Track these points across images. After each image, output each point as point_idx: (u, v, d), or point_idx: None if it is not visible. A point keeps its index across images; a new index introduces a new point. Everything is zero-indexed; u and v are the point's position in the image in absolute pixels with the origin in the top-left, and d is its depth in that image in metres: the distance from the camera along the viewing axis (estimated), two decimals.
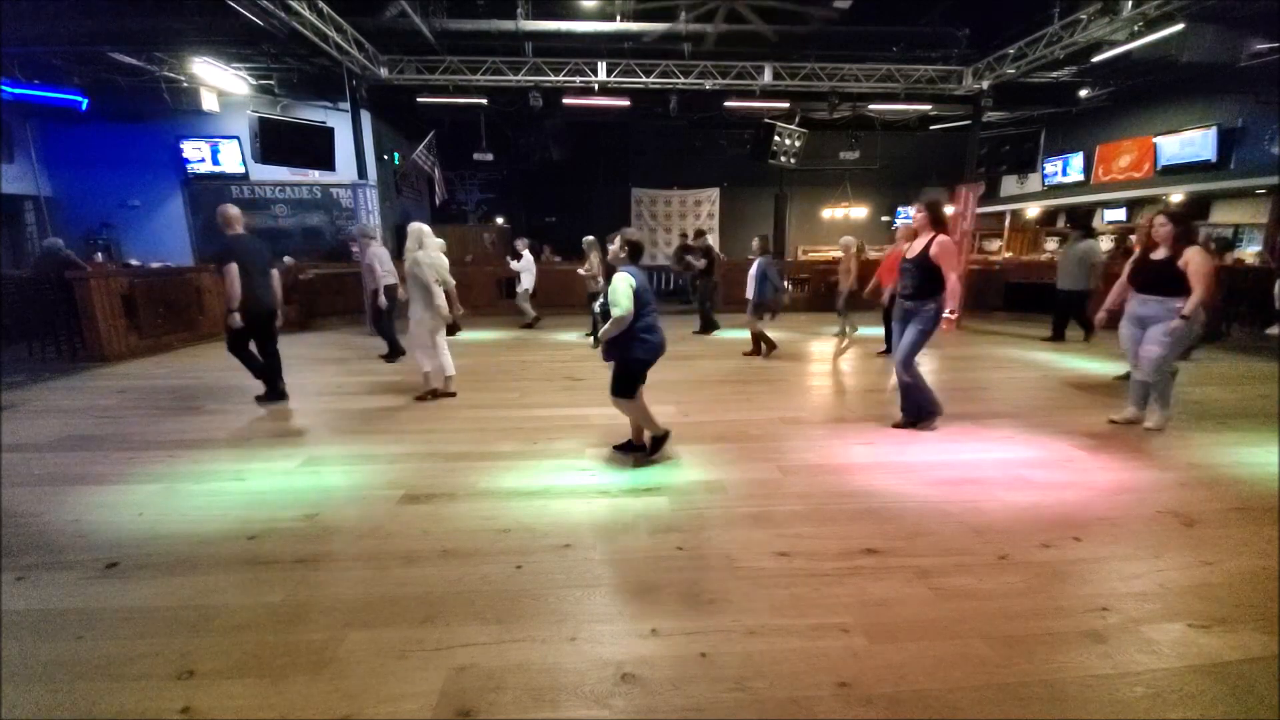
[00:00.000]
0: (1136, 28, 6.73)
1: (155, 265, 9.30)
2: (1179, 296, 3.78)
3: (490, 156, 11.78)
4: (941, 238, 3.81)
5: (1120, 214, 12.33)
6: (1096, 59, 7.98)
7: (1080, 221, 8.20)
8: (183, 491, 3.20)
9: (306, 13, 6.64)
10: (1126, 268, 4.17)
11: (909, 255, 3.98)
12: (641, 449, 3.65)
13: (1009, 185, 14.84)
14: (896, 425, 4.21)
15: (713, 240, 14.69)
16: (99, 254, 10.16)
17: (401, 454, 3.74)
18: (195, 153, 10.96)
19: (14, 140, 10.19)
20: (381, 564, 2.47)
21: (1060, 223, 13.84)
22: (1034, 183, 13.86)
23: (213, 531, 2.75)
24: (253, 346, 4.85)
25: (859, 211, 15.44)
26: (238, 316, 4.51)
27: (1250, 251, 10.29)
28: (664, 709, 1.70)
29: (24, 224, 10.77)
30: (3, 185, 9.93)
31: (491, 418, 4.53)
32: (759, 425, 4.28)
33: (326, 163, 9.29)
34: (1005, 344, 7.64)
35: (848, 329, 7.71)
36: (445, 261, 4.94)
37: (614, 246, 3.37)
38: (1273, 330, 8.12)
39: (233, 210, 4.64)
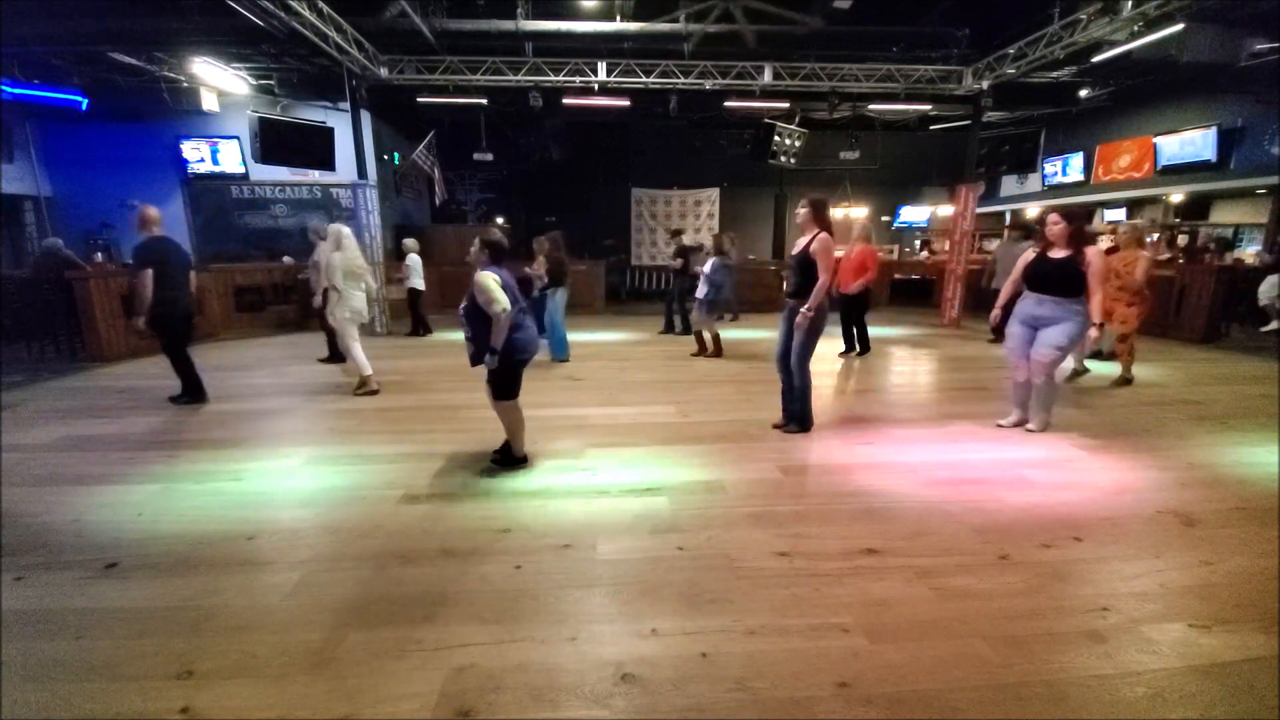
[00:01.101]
0: (1136, 28, 6.72)
1: None
2: (1076, 298, 3.75)
3: (490, 156, 11.76)
4: (822, 235, 3.72)
5: (1120, 214, 12.34)
6: (1096, 59, 7.96)
7: (1018, 222, 8.23)
8: (182, 491, 3.20)
9: (306, 13, 6.63)
10: (1018, 267, 4.11)
11: (794, 253, 3.90)
12: (521, 461, 3.58)
13: (1009, 185, 14.84)
14: (776, 425, 4.19)
15: (709, 240, 14.73)
16: (99, 254, 10.16)
17: (400, 454, 3.74)
18: (195, 153, 10.95)
19: (14, 140, 10.18)
20: (381, 564, 2.47)
21: None
22: (1034, 183, 13.86)
23: (211, 532, 2.75)
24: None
25: (859, 211, 15.43)
26: (142, 321, 4.54)
27: (1250, 251, 10.30)
28: (664, 709, 1.70)
29: (24, 224, 10.76)
30: (3, 185, 9.92)
31: (491, 418, 4.51)
32: (759, 425, 4.27)
33: (326, 163, 9.28)
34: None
35: None
36: (363, 264, 5.09)
37: (474, 249, 3.30)
38: (1271, 327, 8.14)
39: (152, 211, 4.69)
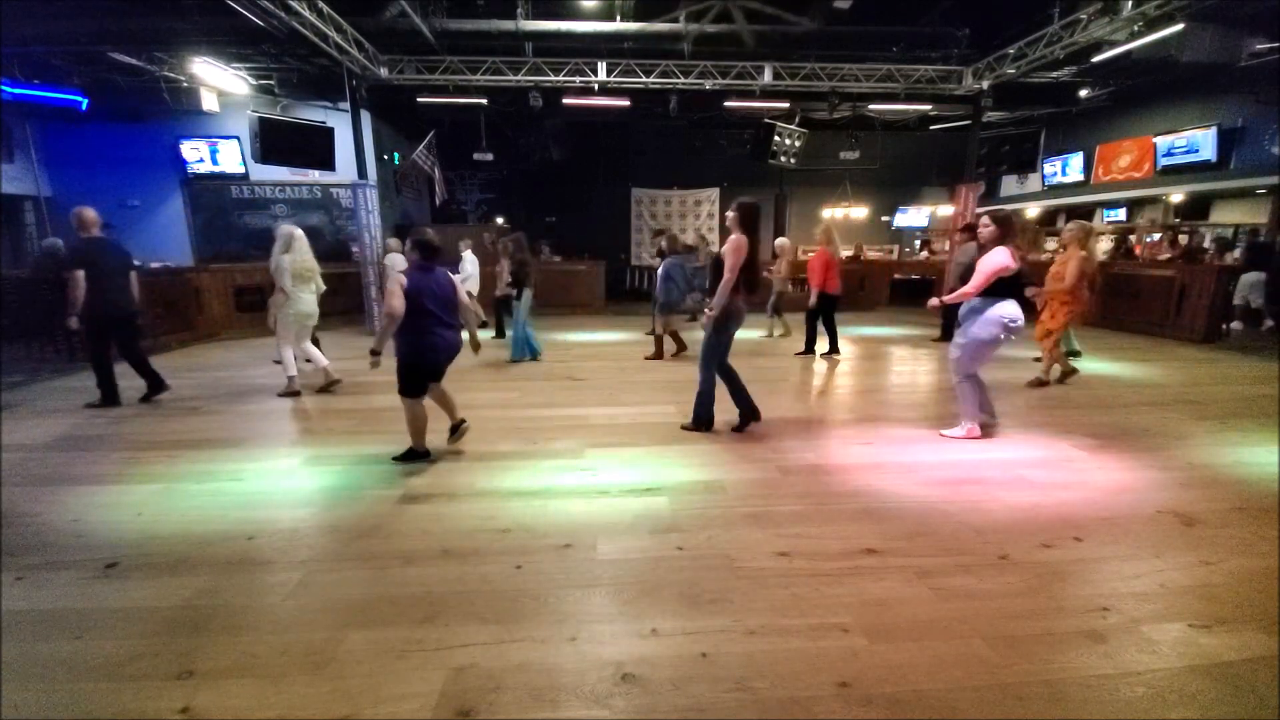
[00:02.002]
0: (1136, 28, 6.72)
1: (155, 265, 9.29)
2: (986, 299, 3.74)
3: (490, 156, 11.75)
4: (734, 237, 3.76)
5: (1120, 214, 12.33)
6: (1096, 59, 7.96)
7: (968, 224, 8.24)
8: (182, 491, 3.20)
9: (306, 13, 6.63)
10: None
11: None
12: (423, 455, 3.61)
13: (1009, 185, 14.83)
14: (734, 429, 4.15)
15: (713, 240, 14.73)
16: None
17: (400, 454, 3.73)
18: (194, 153, 10.94)
19: (14, 140, 10.16)
20: (381, 564, 2.47)
21: (1061, 223, 13.84)
22: (1034, 183, 13.85)
23: (212, 532, 2.75)
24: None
25: (859, 211, 15.43)
26: (75, 321, 4.52)
27: None
28: (664, 709, 1.70)
29: (24, 224, 10.75)
30: (3, 185, 9.91)
31: (491, 418, 4.52)
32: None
33: (326, 163, 9.27)
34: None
35: (777, 330, 8.07)
36: (314, 265, 5.12)
37: (405, 247, 3.42)
38: (1235, 326, 8.20)
39: (89, 213, 4.66)
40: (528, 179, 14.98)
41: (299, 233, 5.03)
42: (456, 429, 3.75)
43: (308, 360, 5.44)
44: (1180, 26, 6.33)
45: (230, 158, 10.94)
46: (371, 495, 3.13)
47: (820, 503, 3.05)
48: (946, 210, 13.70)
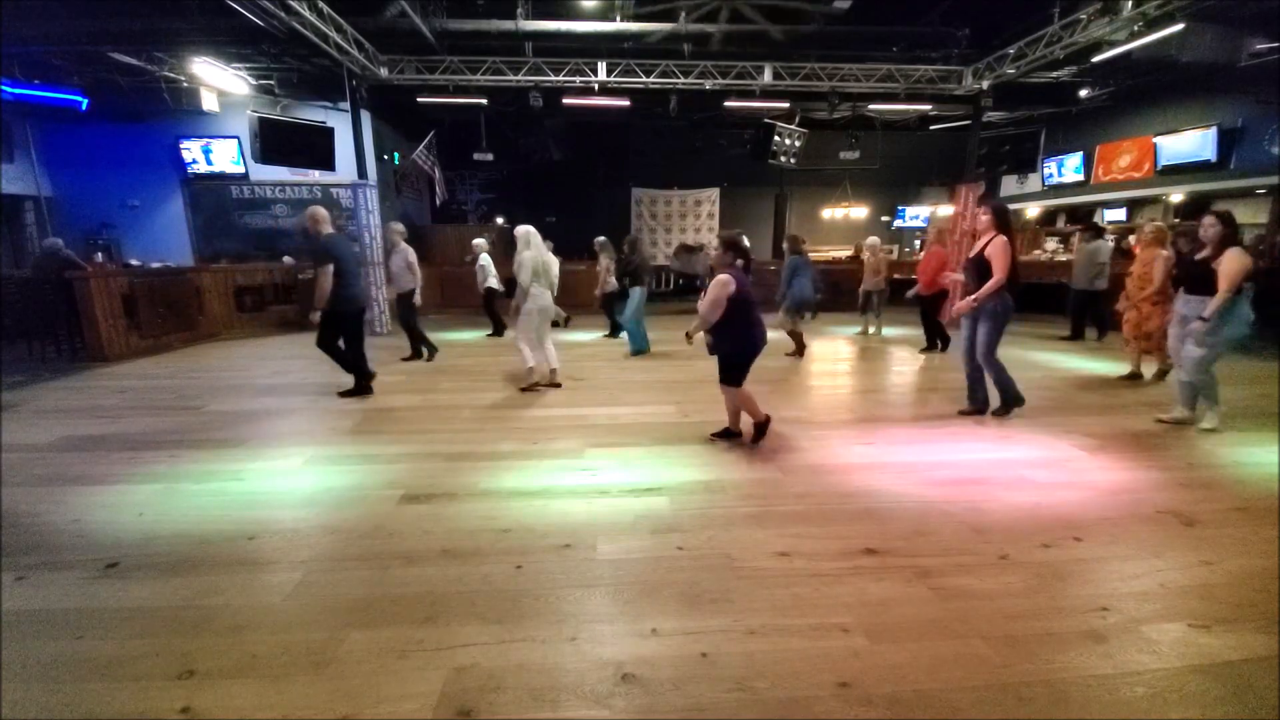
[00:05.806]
0: (1136, 28, 6.72)
1: (155, 265, 9.29)
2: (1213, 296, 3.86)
3: (490, 156, 11.75)
4: (999, 240, 4.07)
5: (1120, 214, 12.33)
6: (1096, 59, 7.96)
7: (1091, 224, 8.36)
8: (183, 491, 3.20)
9: (306, 13, 6.63)
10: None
11: (970, 255, 4.33)
12: (735, 435, 3.94)
13: (1009, 185, 14.82)
14: (963, 411, 4.53)
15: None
16: (99, 254, 10.14)
17: (401, 454, 3.74)
18: (189, 153, 10.94)
19: (14, 140, 10.16)
20: (382, 564, 2.47)
21: (1060, 223, 13.84)
22: (1034, 183, 13.85)
23: (213, 532, 2.75)
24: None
25: (859, 211, 15.43)
26: (318, 315, 4.66)
27: None
28: (664, 709, 1.70)
29: (24, 224, 10.75)
30: (3, 185, 9.90)
31: (491, 417, 4.53)
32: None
33: (326, 163, 9.28)
34: (1007, 344, 7.61)
35: (871, 328, 8.34)
36: (553, 260, 5.23)
37: (715, 250, 3.71)
38: None
39: (321, 211, 4.79)
40: (528, 179, 14.98)
41: (535, 231, 5.12)
42: (762, 429, 3.90)
43: (408, 358, 5.27)
44: (1180, 26, 6.33)
45: (225, 157, 10.93)
46: (372, 495, 3.13)
47: (821, 503, 3.05)
48: (946, 210, 13.70)
